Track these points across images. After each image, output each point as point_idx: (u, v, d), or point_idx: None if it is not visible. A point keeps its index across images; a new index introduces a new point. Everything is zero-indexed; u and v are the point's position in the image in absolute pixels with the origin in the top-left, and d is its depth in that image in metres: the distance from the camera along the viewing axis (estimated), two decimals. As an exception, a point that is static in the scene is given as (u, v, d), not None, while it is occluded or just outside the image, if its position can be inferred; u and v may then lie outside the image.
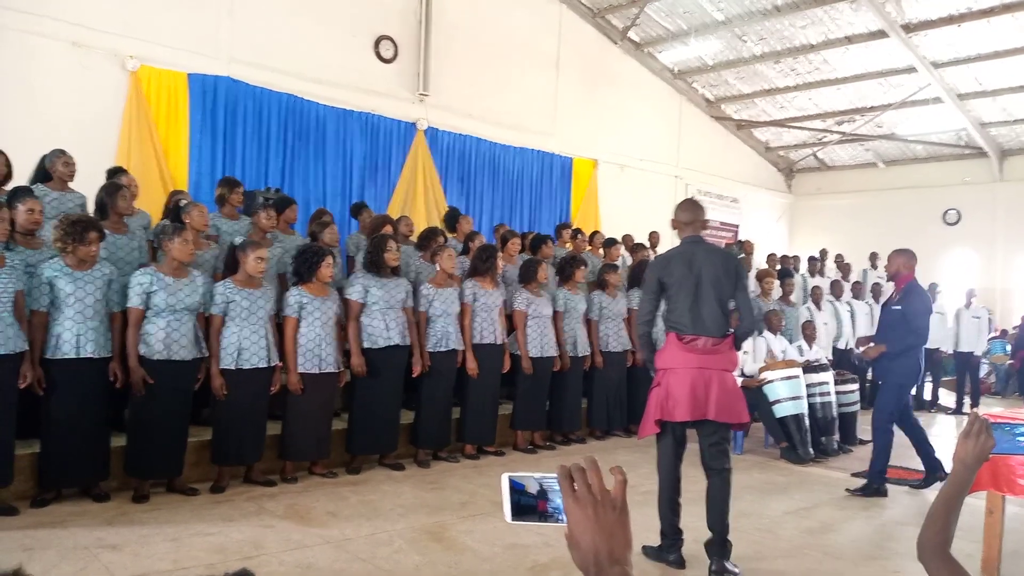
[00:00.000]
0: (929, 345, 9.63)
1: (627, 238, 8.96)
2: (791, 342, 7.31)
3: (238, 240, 4.94)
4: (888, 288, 7.45)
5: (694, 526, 3.79)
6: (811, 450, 6.29)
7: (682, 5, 10.80)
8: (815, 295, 8.89)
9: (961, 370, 10.10)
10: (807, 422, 6.35)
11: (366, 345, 5.16)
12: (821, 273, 10.24)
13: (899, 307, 5.33)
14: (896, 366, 5.29)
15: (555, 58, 10.93)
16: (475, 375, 5.71)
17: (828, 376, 6.74)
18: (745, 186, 14.33)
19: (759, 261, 10.17)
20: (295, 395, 4.84)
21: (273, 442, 4.94)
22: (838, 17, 10.39)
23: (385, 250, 5.24)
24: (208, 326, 4.57)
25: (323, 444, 5.04)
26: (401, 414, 5.46)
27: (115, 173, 5.67)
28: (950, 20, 9.83)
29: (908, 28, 10.20)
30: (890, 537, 4.47)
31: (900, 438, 5.41)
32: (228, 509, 4.29)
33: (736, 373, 4.10)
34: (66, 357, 4.07)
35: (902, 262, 5.39)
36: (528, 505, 0.96)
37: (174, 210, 5.26)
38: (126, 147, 7.17)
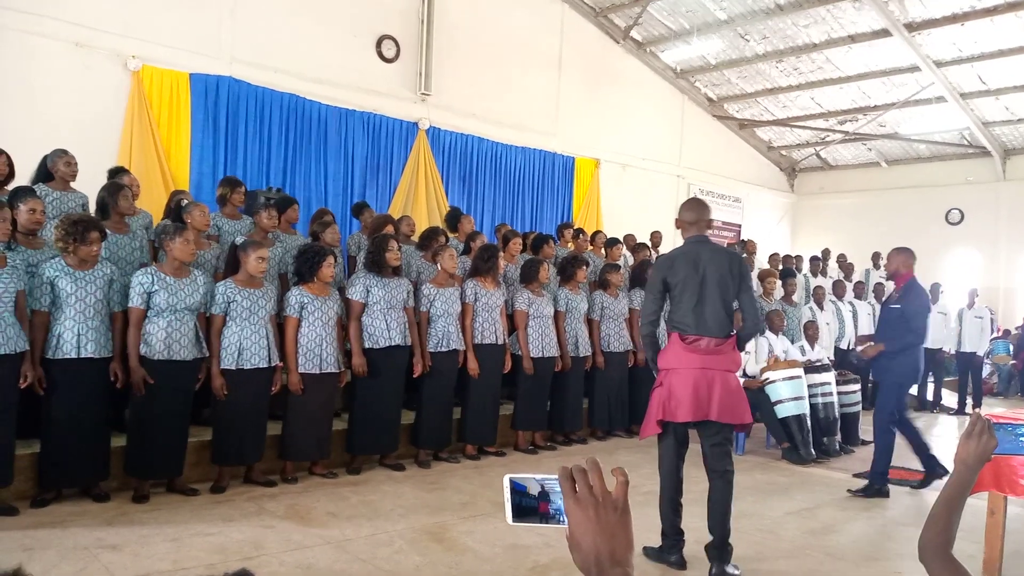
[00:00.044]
0: (932, 345, 9.73)
1: (629, 238, 8.95)
2: (793, 342, 7.30)
3: (239, 240, 4.94)
4: (890, 288, 7.44)
5: (695, 527, 3.78)
6: (813, 451, 6.28)
7: (684, 4, 10.79)
8: (817, 295, 8.88)
9: (963, 370, 10.08)
10: (809, 423, 6.34)
11: (367, 345, 5.15)
12: (823, 273, 10.23)
13: (898, 306, 5.31)
14: (895, 365, 5.27)
15: (557, 57, 10.92)
16: (476, 375, 5.71)
17: (830, 376, 6.72)
18: (747, 186, 14.32)
19: (761, 261, 10.17)
20: (296, 395, 4.84)
21: (273, 442, 4.93)
22: (841, 16, 10.37)
23: (386, 250, 5.23)
24: (209, 326, 4.57)
25: (323, 444, 5.04)
26: (402, 414, 5.46)
27: (116, 173, 5.68)
28: (953, 19, 9.81)
29: (911, 27, 10.18)
30: (891, 538, 4.46)
31: (899, 438, 5.40)
32: (228, 509, 4.29)
33: (738, 373, 4.09)
34: (67, 357, 4.07)
35: (901, 261, 5.37)
36: (529, 506, 0.96)
37: (175, 210, 5.27)
38: (127, 147, 7.18)
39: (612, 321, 6.70)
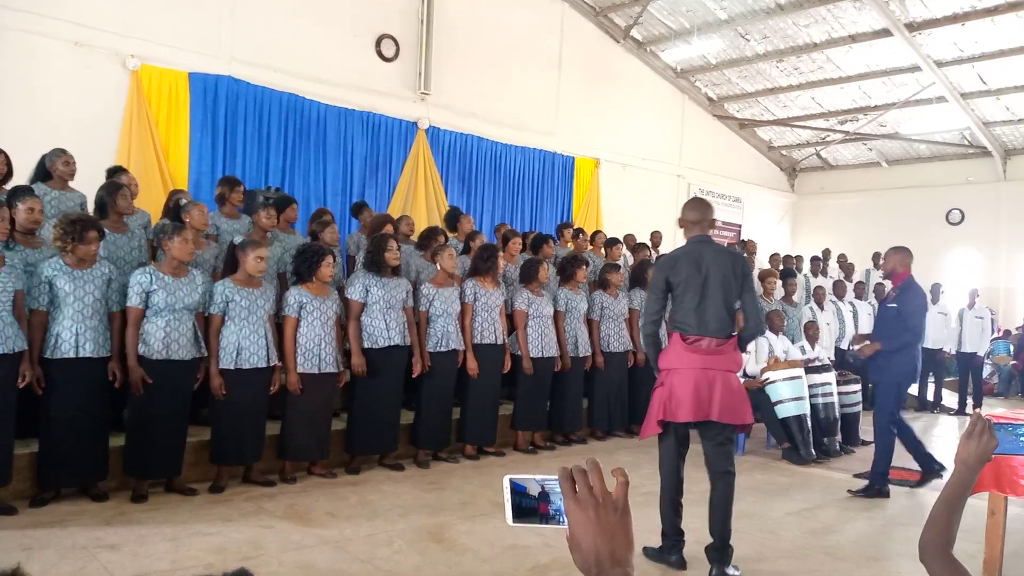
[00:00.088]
0: (932, 345, 9.75)
1: (629, 238, 8.94)
2: (793, 342, 7.30)
3: (238, 239, 4.93)
4: (889, 287, 7.44)
5: (695, 527, 3.77)
6: (813, 451, 6.27)
7: (685, 4, 10.78)
8: (818, 295, 8.87)
9: (964, 371, 10.08)
10: (809, 423, 6.33)
11: (366, 345, 5.14)
12: (824, 273, 10.23)
13: (895, 305, 5.31)
14: (892, 365, 5.26)
15: (557, 57, 10.91)
16: (475, 375, 5.70)
17: (830, 377, 6.72)
18: (748, 185, 14.31)
19: (762, 261, 10.17)
20: (294, 395, 4.83)
21: (272, 442, 4.93)
22: (841, 16, 10.36)
23: (386, 249, 5.22)
24: (207, 326, 4.56)
25: (322, 444, 5.03)
26: (401, 414, 5.45)
27: (115, 172, 5.67)
28: (954, 19, 9.80)
29: (912, 27, 10.17)
30: (892, 538, 4.45)
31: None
32: (227, 509, 4.28)
33: (739, 374, 4.07)
34: (65, 357, 4.06)
35: (898, 260, 5.36)
36: (529, 507, 0.96)
37: (174, 209, 5.26)
38: (126, 146, 7.16)
39: (612, 321, 6.69)
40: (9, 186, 4.76)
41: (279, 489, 4.73)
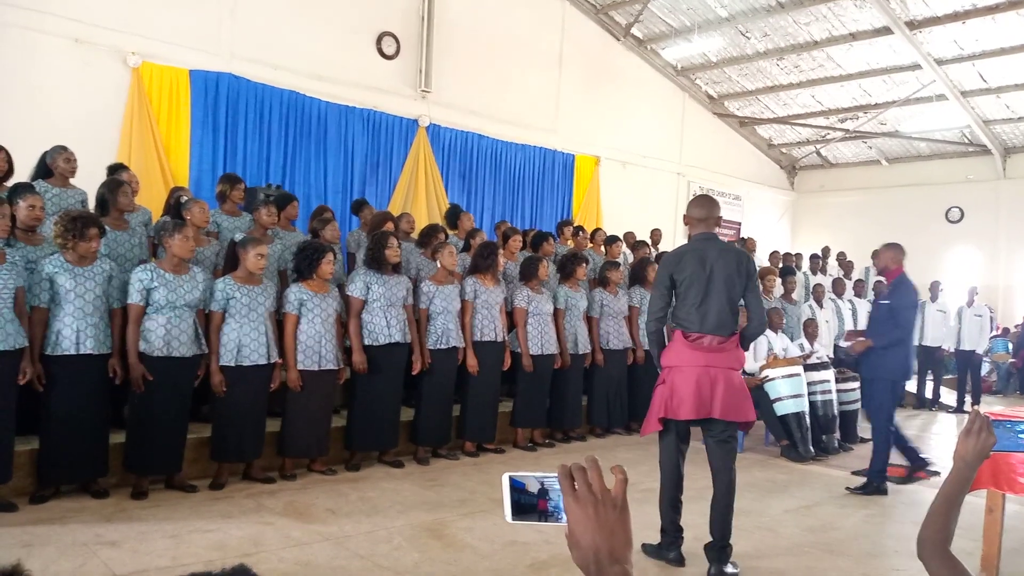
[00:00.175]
0: (931, 343, 9.76)
1: (629, 235, 8.94)
2: (792, 340, 7.30)
3: (239, 236, 4.94)
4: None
5: (694, 523, 3.78)
6: (812, 448, 6.28)
7: (685, 1, 10.78)
8: (817, 293, 8.87)
9: (962, 368, 10.09)
10: (808, 420, 6.34)
11: (367, 342, 5.15)
12: (823, 271, 10.23)
13: (887, 301, 5.31)
14: (886, 362, 5.25)
15: (557, 55, 10.90)
16: (475, 372, 5.71)
17: (829, 374, 6.73)
18: (748, 183, 14.31)
19: (761, 259, 10.16)
20: (295, 392, 4.84)
21: (272, 439, 4.93)
22: (842, 14, 10.36)
23: (386, 247, 5.23)
24: (208, 323, 4.57)
25: (322, 441, 5.04)
26: (401, 411, 5.46)
27: (116, 169, 5.67)
28: (955, 17, 9.80)
29: (912, 25, 10.16)
30: (890, 535, 4.47)
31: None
32: (227, 506, 4.29)
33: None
34: (66, 353, 4.07)
35: (890, 256, 5.37)
36: (528, 504, 0.96)
37: (175, 206, 5.26)
38: (127, 143, 7.17)
39: (611, 319, 6.69)
40: (10, 183, 4.76)
41: (279, 486, 4.74)
